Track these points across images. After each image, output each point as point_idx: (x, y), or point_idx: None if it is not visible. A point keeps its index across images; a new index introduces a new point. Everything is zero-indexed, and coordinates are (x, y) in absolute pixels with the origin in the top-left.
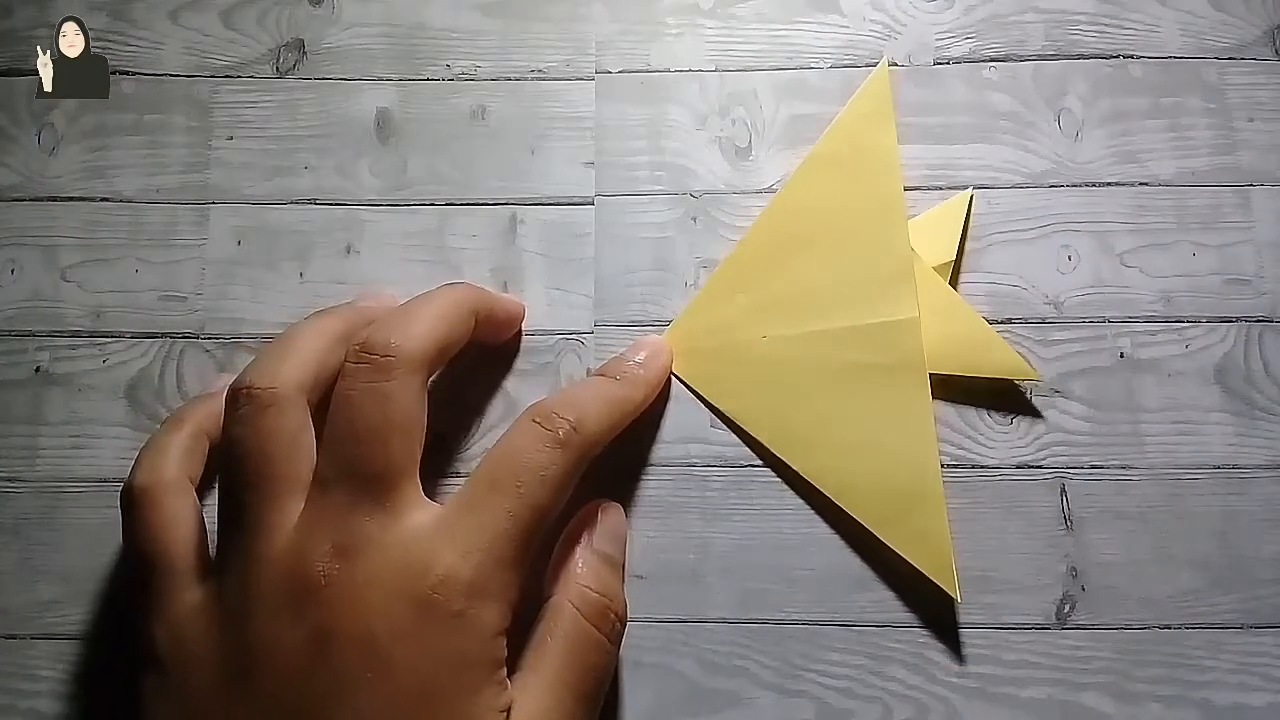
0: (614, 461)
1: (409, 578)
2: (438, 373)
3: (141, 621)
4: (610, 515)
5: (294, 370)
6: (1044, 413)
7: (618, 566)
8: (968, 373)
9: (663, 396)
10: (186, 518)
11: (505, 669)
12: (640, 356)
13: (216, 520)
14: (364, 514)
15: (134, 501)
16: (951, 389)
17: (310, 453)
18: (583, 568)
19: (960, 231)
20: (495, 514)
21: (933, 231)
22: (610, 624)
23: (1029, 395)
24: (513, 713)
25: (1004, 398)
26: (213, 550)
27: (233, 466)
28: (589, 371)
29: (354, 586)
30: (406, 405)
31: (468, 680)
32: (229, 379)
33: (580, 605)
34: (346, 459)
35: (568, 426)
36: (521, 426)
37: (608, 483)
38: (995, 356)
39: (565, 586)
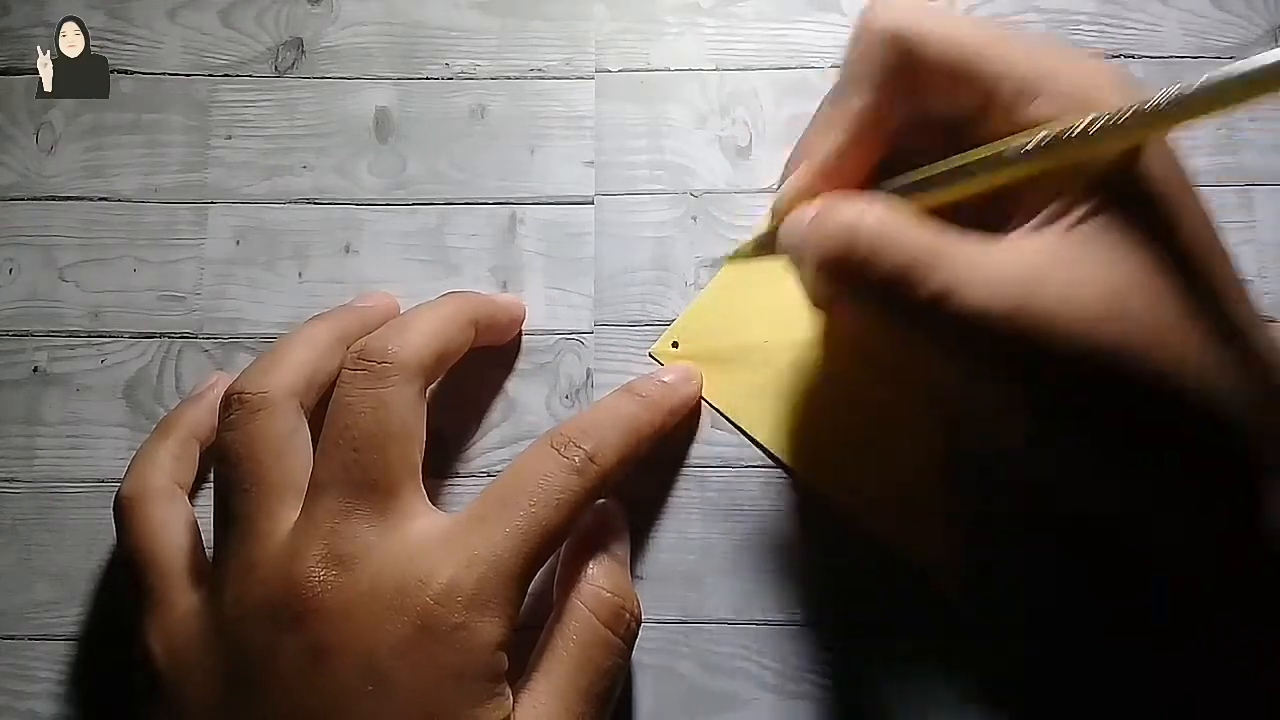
0: None
1: (409, 588)
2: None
3: (137, 629)
4: (611, 515)
5: (285, 375)
6: None
7: (627, 565)
8: None
9: (688, 425)
10: (175, 525)
11: (506, 683)
12: (669, 378)
13: (212, 527)
14: (363, 521)
15: (121, 511)
16: None
17: (304, 457)
18: (593, 568)
19: None
20: (504, 528)
21: None
22: (625, 624)
23: None
24: (518, 718)
25: None
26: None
27: (224, 472)
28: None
29: (352, 597)
30: (403, 412)
31: (468, 694)
32: (216, 378)
33: (594, 607)
34: (343, 465)
35: (584, 456)
36: (539, 450)
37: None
38: None
39: (577, 588)
